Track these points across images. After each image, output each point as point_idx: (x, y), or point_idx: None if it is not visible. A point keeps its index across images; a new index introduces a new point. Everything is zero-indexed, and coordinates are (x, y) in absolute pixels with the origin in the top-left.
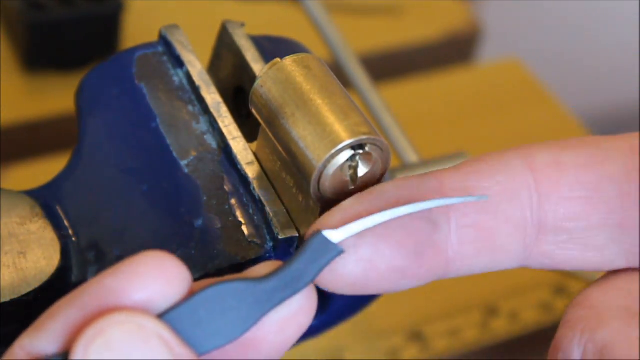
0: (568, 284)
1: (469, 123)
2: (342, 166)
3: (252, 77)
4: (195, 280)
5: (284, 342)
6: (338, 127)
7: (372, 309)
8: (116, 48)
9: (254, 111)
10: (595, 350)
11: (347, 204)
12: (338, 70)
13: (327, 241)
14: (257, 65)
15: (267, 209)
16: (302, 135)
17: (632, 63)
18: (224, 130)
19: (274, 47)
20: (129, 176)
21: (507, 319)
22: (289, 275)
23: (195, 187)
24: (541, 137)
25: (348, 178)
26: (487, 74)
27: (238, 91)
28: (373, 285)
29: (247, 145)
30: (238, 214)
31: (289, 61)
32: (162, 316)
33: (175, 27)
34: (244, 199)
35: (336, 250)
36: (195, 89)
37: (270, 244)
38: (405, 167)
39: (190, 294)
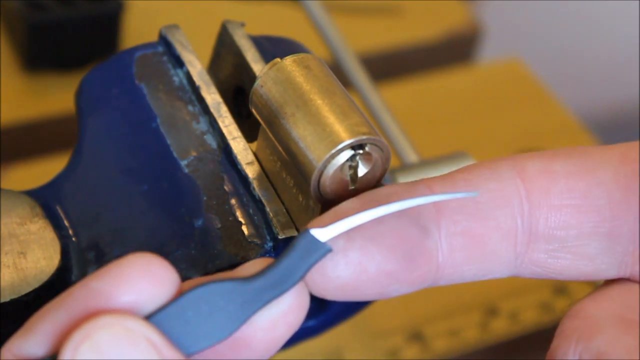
0: (568, 284)
1: (469, 123)
2: (342, 166)
3: (252, 77)
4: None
5: (274, 340)
6: (338, 127)
7: (372, 309)
8: (116, 48)
9: (254, 111)
10: (591, 359)
11: (338, 208)
12: (338, 70)
13: (315, 240)
14: (257, 65)
15: (267, 209)
16: (302, 135)
17: (632, 63)
18: (224, 130)
19: (274, 47)
20: (129, 176)
21: (507, 319)
22: (277, 274)
23: (195, 187)
24: (541, 137)
25: (348, 178)
26: (487, 74)
27: (238, 91)
28: (363, 290)
29: (247, 145)
30: (238, 214)
31: (289, 61)
32: (149, 318)
33: (175, 27)
34: (244, 199)
35: (324, 249)
36: (195, 89)
37: (270, 244)
38: (405, 167)
39: (178, 295)
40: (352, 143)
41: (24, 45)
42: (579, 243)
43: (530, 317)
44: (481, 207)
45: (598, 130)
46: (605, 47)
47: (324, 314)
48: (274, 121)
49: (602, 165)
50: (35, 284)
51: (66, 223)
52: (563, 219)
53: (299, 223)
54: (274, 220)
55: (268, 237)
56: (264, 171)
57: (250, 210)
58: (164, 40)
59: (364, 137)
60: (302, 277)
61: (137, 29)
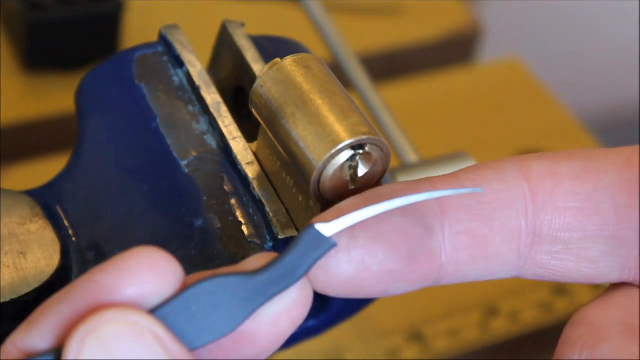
0: (568, 284)
1: (469, 123)
2: (342, 166)
3: (252, 77)
4: None
5: (278, 335)
6: (338, 127)
7: (372, 309)
8: (116, 48)
9: (254, 111)
10: None
11: (342, 204)
12: (338, 70)
13: (319, 235)
14: (257, 65)
15: (267, 209)
16: (302, 135)
17: (632, 63)
18: (224, 130)
19: (274, 47)
20: (129, 176)
21: (507, 319)
22: (282, 269)
23: (195, 187)
24: (541, 137)
25: (348, 178)
26: (487, 74)
27: (238, 91)
28: (366, 287)
29: (247, 145)
30: (238, 214)
31: (289, 61)
32: (153, 311)
33: (175, 27)
34: (244, 199)
35: (329, 244)
36: (195, 89)
37: (270, 244)
38: (405, 167)
39: (182, 289)
40: (352, 143)
41: (24, 45)
42: (583, 246)
43: (530, 317)
44: (485, 207)
45: (598, 130)
46: (605, 47)
47: (324, 314)
48: (274, 121)
49: (607, 168)
50: (35, 284)
51: (66, 223)
52: (567, 221)
53: (299, 223)
54: (274, 220)
55: (268, 237)
56: (264, 171)
57: (250, 210)
58: (164, 40)
59: (364, 137)
60: (306, 272)
61: (137, 29)
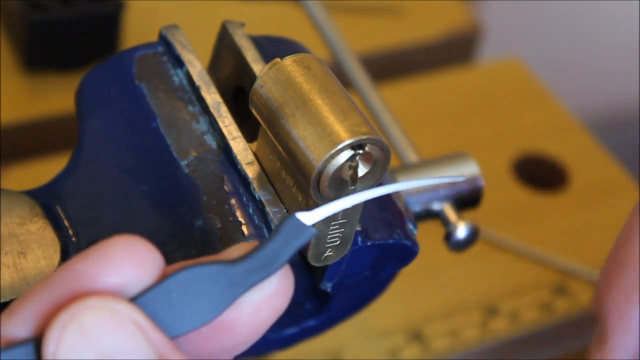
0: (568, 284)
1: (469, 123)
2: (342, 166)
3: (252, 77)
4: None
5: (258, 324)
6: (338, 127)
7: (372, 309)
8: (116, 48)
9: (254, 111)
10: None
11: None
12: (338, 70)
13: (300, 223)
14: (257, 65)
15: (267, 209)
16: (302, 135)
17: (632, 63)
18: (224, 130)
19: (274, 47)
20: (129, 176)
21: (507, 319)
22: (262, 257)
23: (195, 187)
24: (541, 137)
25: (348, 178)
26: (487, 74)
27: (238, 91)
28: None
29: (247, 145)
30: (238, 214)
31: (289, 61)
32: (134, 300)
33: (175, 27)
34: (244, 199)
35: (309, 232)
36: (195, 89)
37: None
38: (405, 167)
39: (163, 278)
40: (352, 143)
41: (24, 45)
42: None
43: (530, 317)
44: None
45: (598, 130)
46: (605, 47)
47: (324, 314)
48: (274, 121)
49: None
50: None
51: (66, 223)
52: None
53: None
54: (274, 220)
55: None
56: (264, 171)
57: (250, 210)
58: (164, 40)
59: (364, 137)
60: (286, 260)
61: (137, 29)
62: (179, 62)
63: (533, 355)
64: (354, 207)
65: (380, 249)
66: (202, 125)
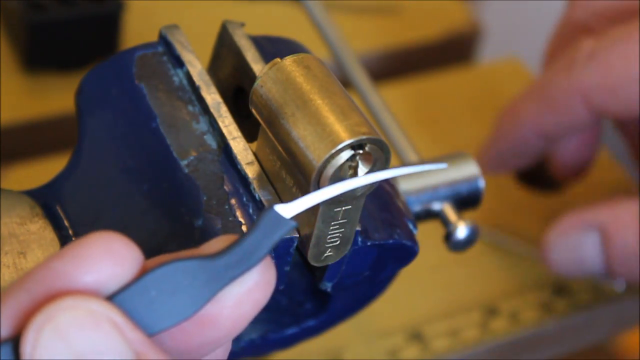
0: (568, 284)
1: (469, 123)
2: (342, 166)
3: (252, 77)
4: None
5: (240, 318)
6: (338, 127)
7: (372, 309)
8: (116, 48)
9: (254, 111)
10: None
11: None
12: (338, 70)
13: (279, 216)
14: (257, 65)
15: None
16: (302, 135)
17: None
18: (224, 130)
19: (274, 47)
20: (129, 176)
21: (507, 319)
22: (242, 251)
23: (195, 187)
24: None
25: (348, 178)
26: (487, 74)
27: (238, 91)
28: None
29: (247, 145)
30: (238, 214)
31: (289, 61)
32: (112, 297)
33: (175, 27)
34: (244, 199)
35: (288, 225)
36: (195, 89)
37: None
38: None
39: (141, 274)
40: (352, 143)
41: (24, 45)
42: None
43: (530, 317)
44: None
45: None
46: None
47: (324, 314)
48: (274, 121)
49: None
50: None
51: (66, 223)
52: None
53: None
54: None
55: None
56: (264, 171)
57: (250, 210)
58: (164, 40)
59: (364, 137)
60: (266, 254)
61: (137, 29)
62: (179, 62)
63: (533, 355)
64: (354, 207)
65: (380, 249)
66: (202, 125)
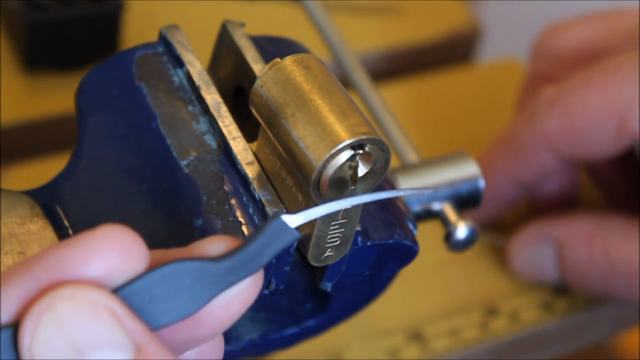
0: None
1: (469, 123)
2: (342, 166)
3: (252, 77)
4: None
5: (227, 318)
6: (338, 127)
7: (372, 309)
8: (116, 48)
9: (254, 111)
10: None
11: None
12: (338, 70)
13: (285, 225)
14: (257, 65)
15: (267, 209)
16: (302, 135)
17: None
18: (224, 130)
19: (274, 47)
20: (129, 176)
21: (507, 319)
22: (245, 257)
23: (195, 187)
24: None
25: (348, 178)
26: (487, 74)
27: (238, 91)
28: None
29: (247, 145)
30: (238, 214)
31: (289, 61)
32: (116, 291)
33: (175, 27)
34: (244, 199)
35: (292, 235)
36: (195, 89)
37: None
38: (405, 167)
39: (147, 271)
40: (352, 143)
41: (24, 45)
42: None
43: (530, 317)
44: None
45: None
46: None
47: (324, 314)
48: (274, 121)
49: None
50: None
51: (66, 223)
52: None
53: None
54: None
55: None
56: (264, 171)
57: (250, 210)
58: (164, 40)
59: (364, 137)
60: (268, 261)
61: (137, 29)
62: (179, 62)
63: (533, 355)
64: (354, 207)
65: (380, 249)
66: (202, 125)
